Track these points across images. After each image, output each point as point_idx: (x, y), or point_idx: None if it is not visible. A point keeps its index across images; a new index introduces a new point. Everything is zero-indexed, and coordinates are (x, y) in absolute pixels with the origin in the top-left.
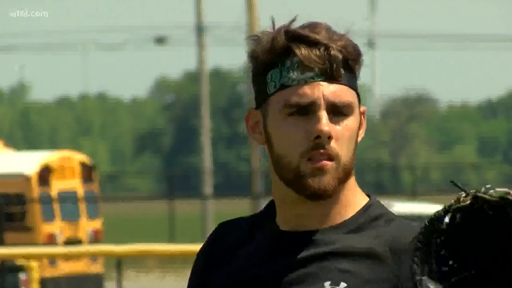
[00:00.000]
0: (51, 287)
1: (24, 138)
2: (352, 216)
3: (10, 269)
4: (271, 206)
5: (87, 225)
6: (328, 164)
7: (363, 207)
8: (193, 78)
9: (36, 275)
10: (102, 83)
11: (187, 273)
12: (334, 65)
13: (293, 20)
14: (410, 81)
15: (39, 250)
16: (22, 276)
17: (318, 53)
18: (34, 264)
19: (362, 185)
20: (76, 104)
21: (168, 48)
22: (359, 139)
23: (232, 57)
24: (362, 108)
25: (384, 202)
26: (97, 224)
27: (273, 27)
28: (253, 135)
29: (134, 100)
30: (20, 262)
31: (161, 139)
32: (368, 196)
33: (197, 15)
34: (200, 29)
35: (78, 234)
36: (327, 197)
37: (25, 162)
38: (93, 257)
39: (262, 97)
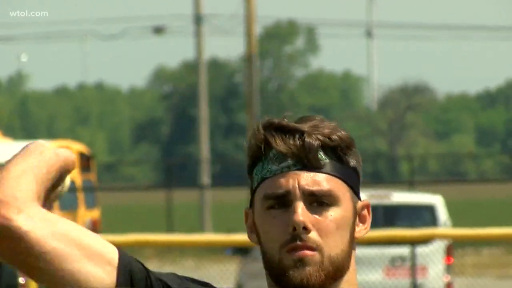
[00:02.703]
0: None
1: (22, 128)
2: None
3: None
4: None
5: (85, 215)
6: (309, 254)
7: None
8: (191, 68)
9: None
10: (100, 73)
11: (185, 263)
12: (310, 153)
13: (284, 117)
14: (408, 71)
15: None
16: None
17: (292, 141)
18: None
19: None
20: (74, 94)
21: (166, 38)
22: (359, 234)
23: (230, 47)
24: (364, 203)
25: (382, 192)
26: (95, 214)
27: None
28: (250, 235)
29: (132, 89)
30: None
31: (159, 128)
32: None
33: (195, 5)
34: (198, 19)
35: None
36: None
37: None
38: None
39: (251, 194)
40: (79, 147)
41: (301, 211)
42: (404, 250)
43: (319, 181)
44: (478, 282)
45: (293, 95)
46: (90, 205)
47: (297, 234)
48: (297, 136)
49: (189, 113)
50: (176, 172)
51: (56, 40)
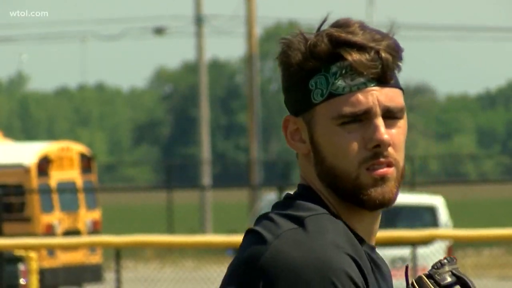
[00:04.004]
0: (50, 278)
1: (23, 129)
2: None
3: (9, 260)
4: (340, 224)
5: (86, 216)
6: (389, 171)
7: None
8: (191, 68)
9: (35, 265)
10: (100, 74)
11: (186, 264)
12: (387, 69)
13: (325, 20)
14: (409, 72)
15: (38, 240)
16: (21, 266)
17: (368, 57)
18: (33, 254)
19: None
20: (74, 95)
21: (166, 38)
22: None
23: (231, 47)
24: None
25: None
26: (95, 214)
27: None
28: (293, 143)
29: (132, 90)
30: (19, 252)
31: (160, 129)
32: None
33: (195, 5)
34: (198, 20)
35: (77, 224)
36: (388, 206)
37: (24, 153)
38: (92, 247)
39: (304, 105)
40: (80, 148)
41: (384, 129)
42: (405, 251)
43: (394, 96)
44: (478, 282)
45: None
46: (90, 206)
47: (380, 151)
48: (372, 51)
49: (190, 114)
50: (177, 173)
51: (56, 41)
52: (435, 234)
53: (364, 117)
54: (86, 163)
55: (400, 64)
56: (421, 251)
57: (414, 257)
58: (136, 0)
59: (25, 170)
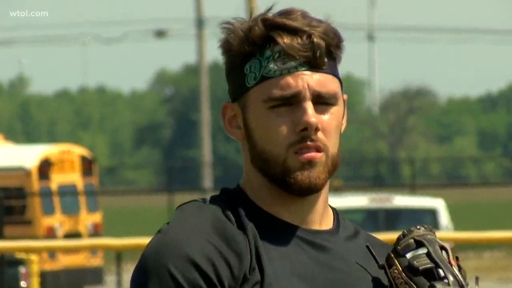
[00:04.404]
0: (51, 280)
1: (24, 132)
2: (333, 211)
3: (10, 263)
4: (241, 199)
5: (87, 219)
6: (317, 155)
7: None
8: (192, 71)
9: (36, 268)
10: (101, 76)
11: None
12: (318, 53)
13: (270, 9)
14: (410, 74)
15: (39, 243)
16: (21, 269)
17: (300, 41)
18: (34, 257)
19: (361, 178)
20: (75, 97)
21: (167, 41)
22: (342, 129)
23: None
24: (344, 97)
25: (384, 195)
26: (96, 217)
27: (250, 16)
28: (230, 129)
29: (133, 93)
30: (20, 255)
31: (161, 132)
32: None
33: (196, 8)
34: (199, 22)
35: (77, 227)
36: (317, 191)
37: (25, 156)
38: (93, 250)
39: (240, 90)
40: (80, 150)
41: (312, 112)
42: None
43: (325, 82)
44: (479, 285)
45: None
46: (91, 208)
47: (307, 134)
48: (304, 36)
49: (191, 116)
50: (178, 175)
51: (57, 43)
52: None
53: (294, 101)
54: (87, 165)
55: (338, 53)
56: None
57: None
58: (137, 2)
59: (26, 173)
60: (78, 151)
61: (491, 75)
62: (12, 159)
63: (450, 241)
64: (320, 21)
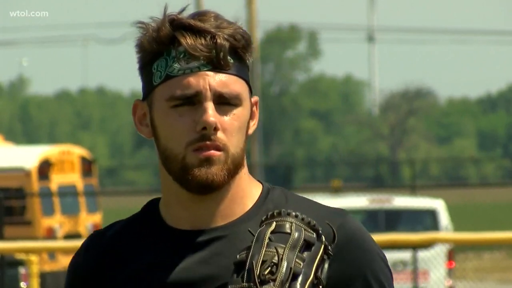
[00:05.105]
0: (51, 281)
1: (24, 132)
2: (253, 206)
3: (9, 263)
4: (151, 207)
5: (87, 219)
6: (216, 154)
7: (261, 195)
8: None
9: (35, 269)
10: (101, 77)
11: None
12: (221, 54)
13: (183, 9)
14: (410, 75)
15: (38, 244)
16: (21, 270)
17: (203, 41)
18: (33, 258)
19: (361, 179)
20: (75, 98)
21: None
22: (251, 130)
23: None
24: (254, 99)
25: (384, 196)
26: (96, 218)
27: (164, 15)
28: (140, 127)
29: (133, 94)
30: (19, 256)
31: None
32: (261, 183)
33: (196, 9)
34: None
35: (77, 228)
36: (215, 189)
37: (25, 156)
38: None
39: (148, 88)
40: (80, 151)
41: (211, 112)
42: (405, 255)
43: (228, 83)
44: (479, 286)
45: (295, 100)
46: (91, 209)
47: (206, 133)
48: (208, 37)
49: None
50: None
51: (57, 44)
52: (435, 237)
53: (195, 100)
54: (87, 166)
55: (246, 54)
56: (422, 254)
57: (415, 261)
58: (137, 4)
59: (26, 173)
60: (78, 151)
61: (491, 76)
62: (12, 159)
63: (450, 242)
64: (230, 24)
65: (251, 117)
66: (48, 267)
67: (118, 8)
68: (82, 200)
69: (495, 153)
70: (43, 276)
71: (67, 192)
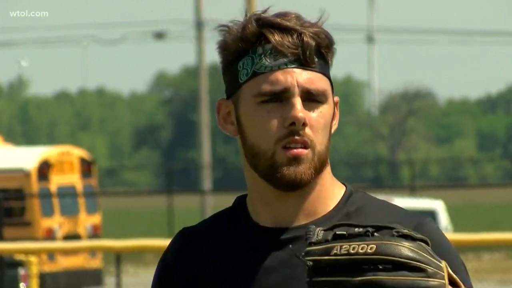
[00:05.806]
0: (50, 282)
1: (23, 133)
2: (335, 207)
3: (9, 264)
4: (240, 202)
5: (86, 220)
6: (304, 152)
7: (344, 196)
8: (192, 73)
9: (35, 270)
10: (101, 78)
11: None
12: (308, 52)
13: (265, 10)
14: (409, 76)
15: (38, 245)
16: (21, 271)
17: (291, 39)
18: (33, 259)
19: (361, 179)
20: (75, 99)
21: (167, 43)
22: (333, 130)
23: None
24: (336, 99)
25: (383, 197)
26: (96, 218)
27: (246, 16)
28: (225, 126)
29: (133, 94)
30: (19, 257)
31: (160, 133)
32: (344, 185)
33: (196, 10)
34: (199, 24)
35: (77, 229)
36: (302, 187)
37: (25, 157)
38: (92, 252)
39: (233, 87)
40: (80, 152)
41: (300, 107)
42: None
43: (314, 80)
44: (479, 287)
45: None
46: (91, 210)
47: (295, 129)
48: (294, 34)
49: (190, 118)
50: (177, 177)
51: (57, 45)
52: None
53: (283, 97)
54: (86, 167)
55: (329, 54)
56: None
57: None
58: (137, 4)
59: (26, 174)
60: (77, 152)
61: (490, 77)
62: (11, 160)
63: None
64: (313, 23)
65: (333, 116)
66: (48, 267)
67: (118, 8)
68: (81, 201)
69: (494, 153)
70: (43, 277)
71: (67, 193)
